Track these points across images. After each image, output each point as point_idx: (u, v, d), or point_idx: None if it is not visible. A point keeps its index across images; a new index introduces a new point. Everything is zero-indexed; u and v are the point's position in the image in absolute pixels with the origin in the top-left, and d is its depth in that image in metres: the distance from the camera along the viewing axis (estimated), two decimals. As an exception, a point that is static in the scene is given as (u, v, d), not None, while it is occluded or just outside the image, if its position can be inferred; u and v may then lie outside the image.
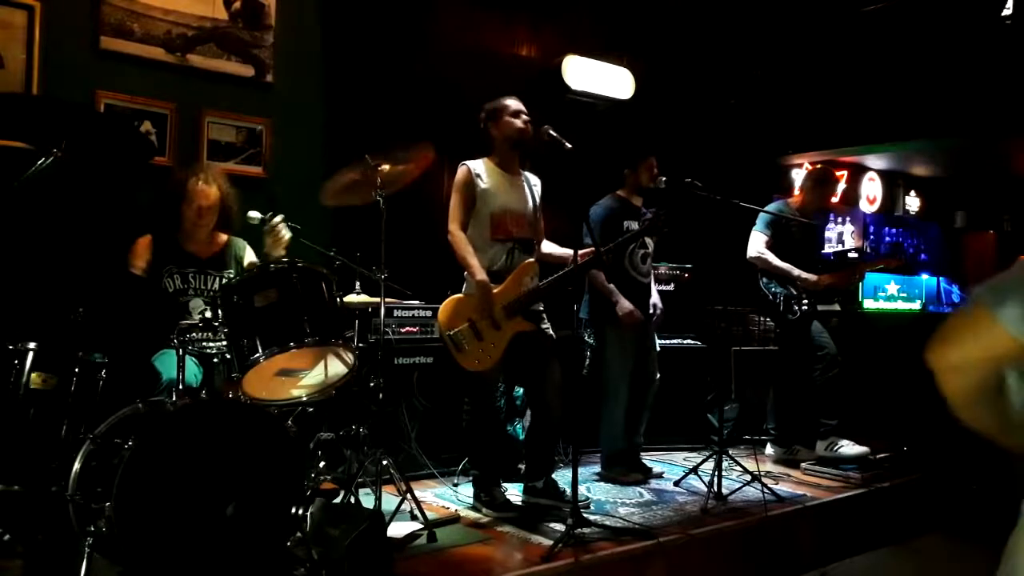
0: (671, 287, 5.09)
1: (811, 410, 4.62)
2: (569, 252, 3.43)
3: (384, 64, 4.64)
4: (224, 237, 3.53)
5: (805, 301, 4.48)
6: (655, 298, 4.24)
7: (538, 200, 3.63)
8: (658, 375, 4.24)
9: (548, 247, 3.71)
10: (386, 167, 3.16)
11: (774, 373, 4.78)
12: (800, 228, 4.64)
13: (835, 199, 7.37)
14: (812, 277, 4.52)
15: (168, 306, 3.26)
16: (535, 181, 3.68)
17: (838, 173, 7.46)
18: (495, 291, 3.35)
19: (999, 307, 0.91)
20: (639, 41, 5.85)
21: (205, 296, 3.34)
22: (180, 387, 2.59)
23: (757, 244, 4.59)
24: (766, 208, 4.55)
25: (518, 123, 3.50)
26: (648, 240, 4.15)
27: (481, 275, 3.32)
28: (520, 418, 4.16)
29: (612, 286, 3.97)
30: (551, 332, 3.55)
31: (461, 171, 3.50)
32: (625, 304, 3.97)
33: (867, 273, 5.00)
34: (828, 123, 6.48)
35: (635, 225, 4.10)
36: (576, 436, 3.40)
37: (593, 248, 3.41)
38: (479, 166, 3.51)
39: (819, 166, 5.35)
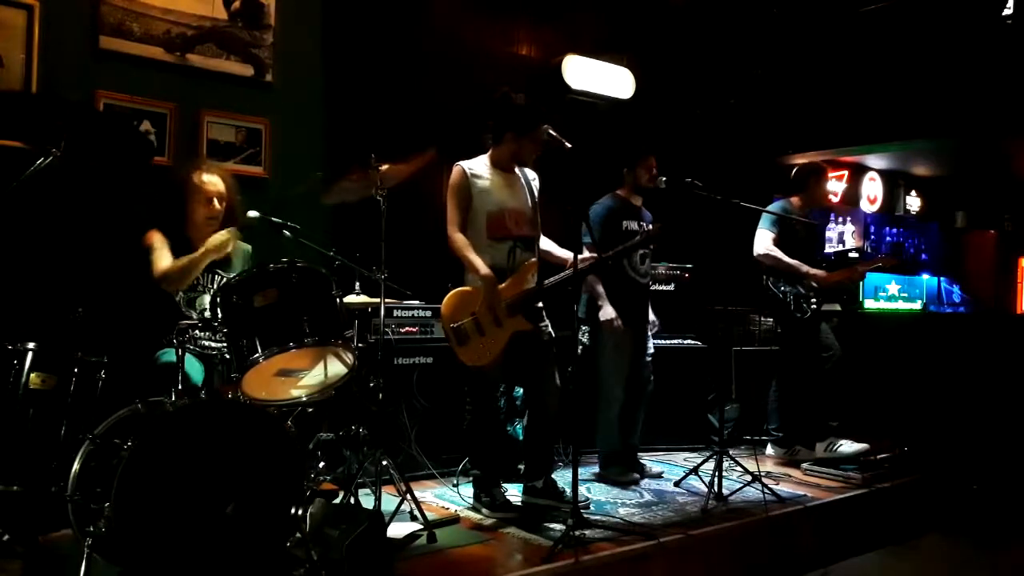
0: (671, 287, 5.08)
1: (816, 410, 4.63)
2: (567, 254, 3.41)
3: (384, 63, 4.64)
4: None
5: (814, 300, 4.48)
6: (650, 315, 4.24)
7: (536, 196, 3.59)
8: (652, 378, 4.24)
9: (546, 244, 3.67)
10: (385, 166, 3.16)
11: (778, 373, 4.77)
12: (804, 227, 4.65)
13: (835, 198, 7.37)
14: (821, 273, 4.52)
15: (168, 305, 3.25)
16: (532, 176, 3.62)
17: (838, 173, 7.46)
18: (500, 287, 3.34)
19: None
20: (639, 41, 5.85)
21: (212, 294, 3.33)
22: (180, 387, 2.58)
23: (764, 242, 4.58)
24: (768, 208, 4.55)
25: (536, 150, 3.44)
26: None
27: (486, 270, 3.30)
28: (520, 418, 4.15)
29: (601, 289, 3.97)
30: (550, 331, 3.53)
31: (455, 172, 3.44)
32: (609, 311, 3.95)
33: (867, 272, 4.96)
34: (828, 123, 6.47)
35: (634, 225, 4.10)
36: (576, 436, 3.39)
37: (593, 254, 3.39)
38: (475, 165, 3.46)
39: (804, 163, 5.13)
